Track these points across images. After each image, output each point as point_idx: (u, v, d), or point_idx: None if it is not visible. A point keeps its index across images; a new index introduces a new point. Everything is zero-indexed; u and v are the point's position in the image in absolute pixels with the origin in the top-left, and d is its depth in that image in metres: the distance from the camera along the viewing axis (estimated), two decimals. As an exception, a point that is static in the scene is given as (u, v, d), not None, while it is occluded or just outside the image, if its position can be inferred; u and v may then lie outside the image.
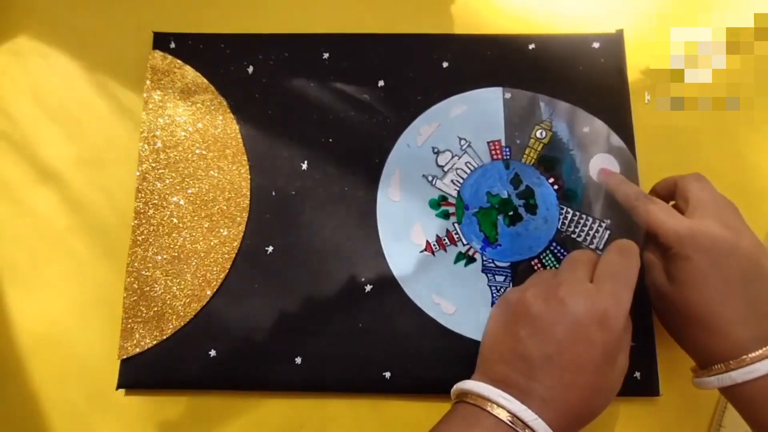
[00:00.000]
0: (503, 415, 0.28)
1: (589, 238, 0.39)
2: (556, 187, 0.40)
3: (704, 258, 0.30)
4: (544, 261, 0.38)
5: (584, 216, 0.39)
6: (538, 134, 0.40)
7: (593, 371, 0.29)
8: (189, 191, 0.41)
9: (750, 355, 0.29)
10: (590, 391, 0.29)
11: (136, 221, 0.40)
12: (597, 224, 0.39)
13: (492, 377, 0.31)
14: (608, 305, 0.30)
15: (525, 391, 0.29)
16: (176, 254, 0.39)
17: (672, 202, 0.35)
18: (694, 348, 0.32)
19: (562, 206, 0.39)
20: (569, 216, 0.39)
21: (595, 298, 0.30)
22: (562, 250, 0.39)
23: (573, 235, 0.39)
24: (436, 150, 0.41)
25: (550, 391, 0.29)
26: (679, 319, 0.32)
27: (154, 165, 0.41)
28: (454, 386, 0.32)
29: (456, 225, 0.39)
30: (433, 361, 0.37)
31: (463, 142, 0.41)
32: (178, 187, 0.41)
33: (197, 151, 0.41)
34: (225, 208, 0.40)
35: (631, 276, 0.32)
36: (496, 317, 0.33)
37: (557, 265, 0.38)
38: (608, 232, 0.39)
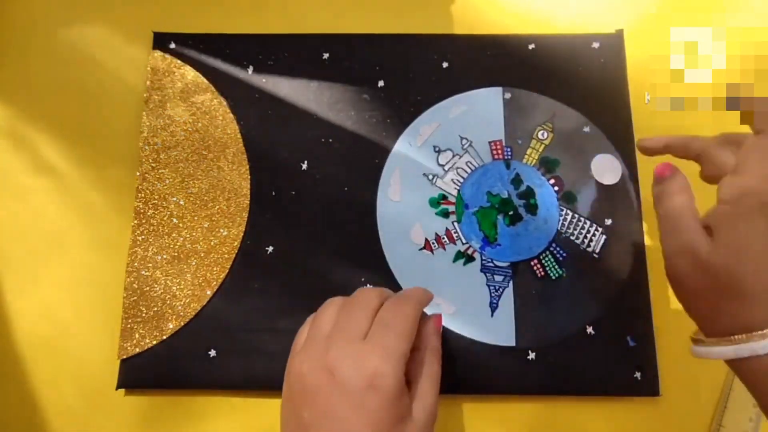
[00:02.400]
0: None
1: (586, 241, 0.39)
2: (556, 188, 0.40)
3: (764, 222, 0.27)
4: (543, 261, 0.38)
5: (582, 219, 0.39)
6: (539, 135, 0.40)
7: None
8: (189, 191, 0.41)
9: None
10: None
11: (136, 221, 0.40)
12: (594, 228, 0.39)
13: None
14: (377, 363, 0.27)
15: None
16: (176, 254, 0.39)
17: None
18: (712, 315, 0.29)
19: (562, 207, 0.39)
20: (568, 218, 0.39)
21: (363, 358, 0.27)
22: (561, 251, 0.39)
23: (572, 237, 0.39)
24: (437, 149, 0.41)
25: None
26: (706, 283, 0.28)
27: (154, 165, 0.41)
28: None
29: (455, 224, 0.39)
30: (433, 361, 0.37)
31: (464, 141, 0.41)
32: (178, 187, 0.41)
33: (197, 151, 0.41)
34: (225, 208, 0.40)
35: (405, 319, 0.29)
36: (283, 394, 0.30)
37: (557, 267, 0.38)
38: (604, 236, 0.39)
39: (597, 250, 0.38)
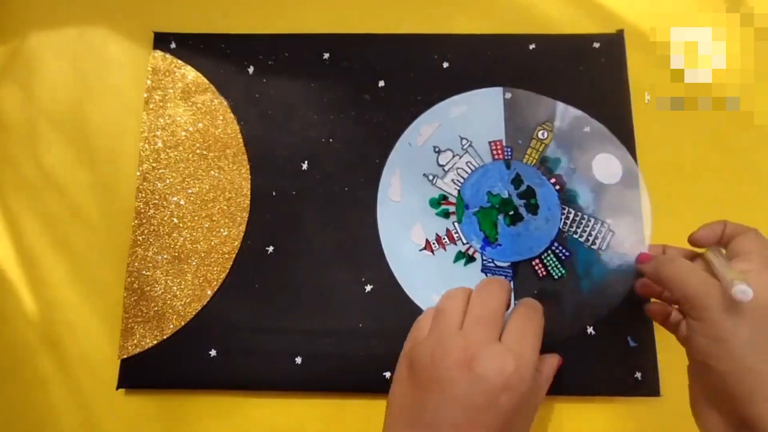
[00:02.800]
0: None
1: (591, 238, 0.39)
2: (557, 187, 0.40)
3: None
4: (545, 261, 0.38)
5: (586, 216, 0.39)
6: (539, 135, 0.40)
7: None
8: (189, 191, 0.41)
9: None
10: None
11: (136, 221, 0.40)
12: (600, 224, 0.39)
13: None
14: (514, 368, 0.28)
15: None
16: (177, 254, 0.39)
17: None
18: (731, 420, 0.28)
19: (563, 206, 0.39)
20: (571, 216, 0.39)
21: (504, 361, 0.29)
22: (564, 251, 0.39)
23: (575, 236, 0.39)
24: (437, 149, 0.41)
25: None
26: (723, 384, 0.28)
27: (154, 165, 0.41)
28: None
29: (456, 224, 0.39)
30: (434, 361, 0.37)
31: (464, 141, 0.41)
32: (178, 187, 0.41)
33: (198, 151, 0.41)
34: (225, 208, 0.40)
35: (539, 333, 0.31)
36: (401, 376, 0.31)
37: (559, 266, 0.38)
38: (612, 233, 0.39)
39: (603, 248, 0.38)
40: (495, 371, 0.28)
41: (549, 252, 0.39)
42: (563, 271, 0.38)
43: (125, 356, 0.38)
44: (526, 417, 0.31)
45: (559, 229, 0.39)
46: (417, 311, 0.38)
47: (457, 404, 0.28)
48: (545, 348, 0.37)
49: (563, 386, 0.37)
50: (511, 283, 0.38)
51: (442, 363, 0.29)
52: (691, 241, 0.33)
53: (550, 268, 0.38)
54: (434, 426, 0.28)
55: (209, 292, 0.39)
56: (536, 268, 0.38)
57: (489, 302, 0.31)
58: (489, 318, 0.30)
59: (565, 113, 0.41)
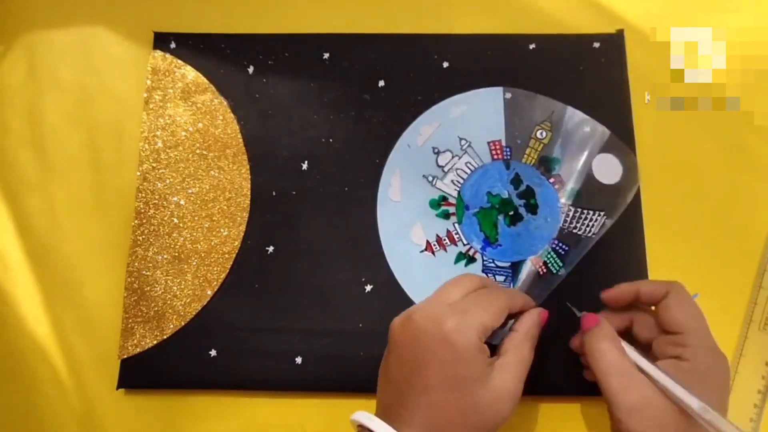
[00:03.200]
0: None
1: (589, 230, 0.39)
2: (556, 186, 0.40)
3: None
4: (545, 258, 0.38)
5: (585, 211, 0.39)
6: (538, 134, 0.40)
7: (452, 391, 0.29)
8: (189, 191, 0.41)
9: None
10: (457, 412, 0.29)
11: (136, 221, 0.40)
12: (597, 215, 0.39)
13: (379, 406, 0.31)
14: (454, 323, 0.29)
15: (401, 418, 0.29)
16: (177, 254, 0.39)
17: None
18: None
19: (563, 205, 0.39)
20: (570, 213, 0.39)
21: (443, 318, 0.29)
22: (564, 246, 0.39)
23: (574, 230, 0.39)
24: (436, 150, 0.41)
25: (421, 414, 0.29)
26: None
27: (154, 165, 0.41)
28: (351, 417, 0.31)
29: (456, 225, 0.39)
30: (434, 361, 0.37)
31: (463, 142, 0.41)
32: (178, 187, 0.41)
33: (198, 151, 0.41)
34: (225, 208, 0.40)
35: (493, 302, 0.31)
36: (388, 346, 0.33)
37: (558, 261, 0.38)
38: (605, 218, 0.39)
39: (601, 234, 0.38)
40: (432, 326, 0.29)
41: (549, 248, 0.39)
42: (561, 266, 0.38)
43: (125, 356, 0.38)
44: (493, 378, 0.30)
45: (560, 226, 0.39)
46: (417, 311, 0.38)
47: (402, 359, 0.30)
48: (545, 346, 0.37)
49: (562, 387, 0.37)
50: (510, 283, 0.38)
51: (394, 327, 0.31)
52: (603, 299, 0.34)
53: (549, 264, 0.38)
54: (394, 381, 0.30)
55: (209, 292, 0.39)
56: (536, 266, 0.38)
57: (458, 280, 0.33)
58: (448, 291, 0.32)
59: (565, 113, 0.41)
